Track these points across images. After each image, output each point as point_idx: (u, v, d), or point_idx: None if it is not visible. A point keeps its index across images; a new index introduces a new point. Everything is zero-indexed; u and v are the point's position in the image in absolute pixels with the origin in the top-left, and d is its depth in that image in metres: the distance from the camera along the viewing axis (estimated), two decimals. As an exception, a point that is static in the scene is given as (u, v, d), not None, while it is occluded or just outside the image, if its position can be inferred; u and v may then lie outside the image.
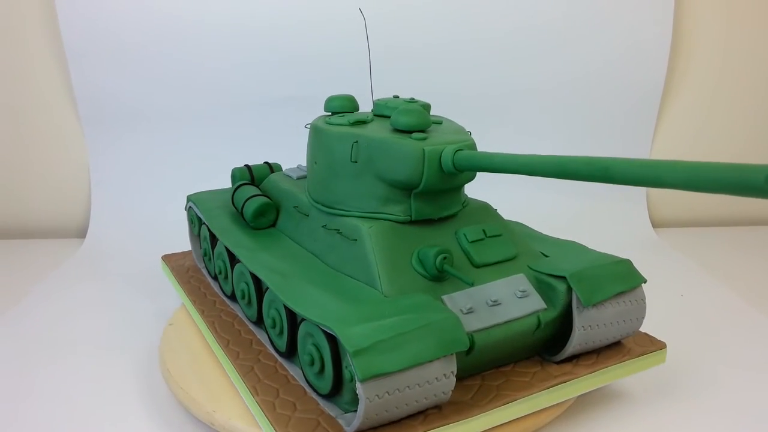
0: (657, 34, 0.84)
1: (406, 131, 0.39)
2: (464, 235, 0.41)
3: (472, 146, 0.39)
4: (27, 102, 0.83)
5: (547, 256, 0.44)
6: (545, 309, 0.39)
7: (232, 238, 0.49)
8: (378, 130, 0.40)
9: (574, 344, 0.39)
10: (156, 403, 0.45)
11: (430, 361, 0.32)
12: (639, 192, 0.89)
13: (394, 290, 0.37)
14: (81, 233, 0.84)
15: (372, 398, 0.31)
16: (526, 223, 0.52)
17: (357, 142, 0.40)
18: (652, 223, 0.87)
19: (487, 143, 0.85)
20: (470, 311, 0.37)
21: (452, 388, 0.34)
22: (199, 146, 0.85)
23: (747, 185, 0.22)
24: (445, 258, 0.37)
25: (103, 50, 0.80)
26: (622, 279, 0.40)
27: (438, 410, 0.35)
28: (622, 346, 0.42)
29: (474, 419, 0.35)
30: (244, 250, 0.46)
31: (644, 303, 0.41)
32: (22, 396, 0.46)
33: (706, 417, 0.43)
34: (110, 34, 0.80)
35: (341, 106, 0.46)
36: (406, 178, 0.38)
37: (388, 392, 0.32)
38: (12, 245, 0.82)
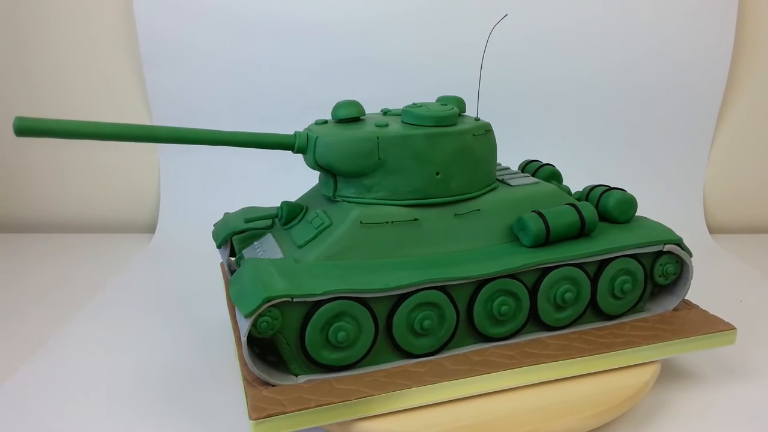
0: (720, 31, 0.83)
1: (339, 120, 0.45)
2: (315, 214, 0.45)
3: (320, 142, 0.43)
4: (104, 104, 0.87)
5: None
6: None
7: None
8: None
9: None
10: (232, 388, 0.48)
11: None
12: (696, 197, 0.88)
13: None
14: (151, 228, 0.88)
15: None
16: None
17: None
18: (708, 228, 0.86)
19: (557, 129, 0.87)
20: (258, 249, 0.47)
21: None
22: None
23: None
24: (276, 215, 0.48)
25: (177, 55, 0.84)
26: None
27: None
28: None
29: None
30: None
31: None
32: (103, 379, 0.50)
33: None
34: (184, 38, 0.83)
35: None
36: None
37: None
38: (88, 239, 0.87)
